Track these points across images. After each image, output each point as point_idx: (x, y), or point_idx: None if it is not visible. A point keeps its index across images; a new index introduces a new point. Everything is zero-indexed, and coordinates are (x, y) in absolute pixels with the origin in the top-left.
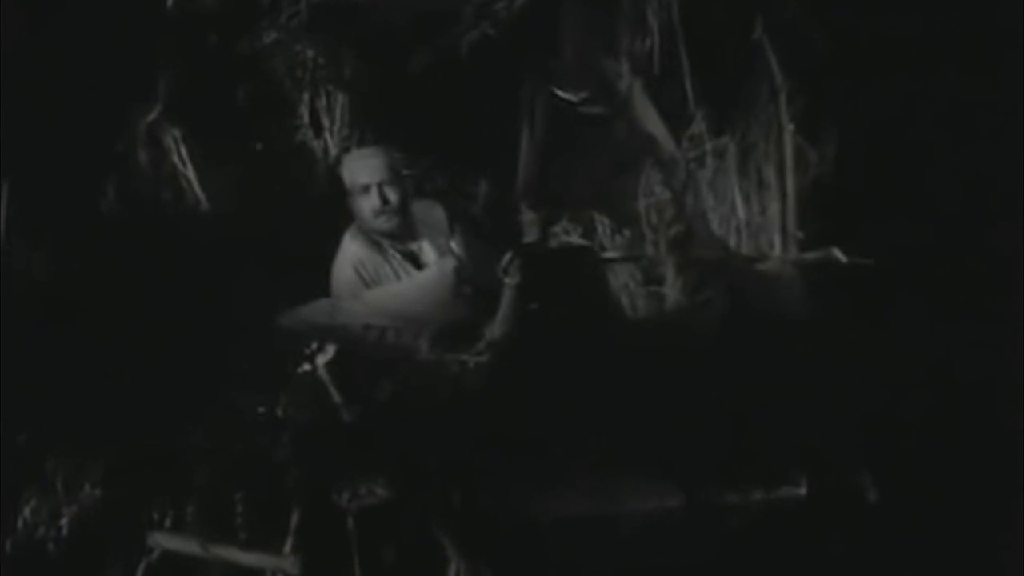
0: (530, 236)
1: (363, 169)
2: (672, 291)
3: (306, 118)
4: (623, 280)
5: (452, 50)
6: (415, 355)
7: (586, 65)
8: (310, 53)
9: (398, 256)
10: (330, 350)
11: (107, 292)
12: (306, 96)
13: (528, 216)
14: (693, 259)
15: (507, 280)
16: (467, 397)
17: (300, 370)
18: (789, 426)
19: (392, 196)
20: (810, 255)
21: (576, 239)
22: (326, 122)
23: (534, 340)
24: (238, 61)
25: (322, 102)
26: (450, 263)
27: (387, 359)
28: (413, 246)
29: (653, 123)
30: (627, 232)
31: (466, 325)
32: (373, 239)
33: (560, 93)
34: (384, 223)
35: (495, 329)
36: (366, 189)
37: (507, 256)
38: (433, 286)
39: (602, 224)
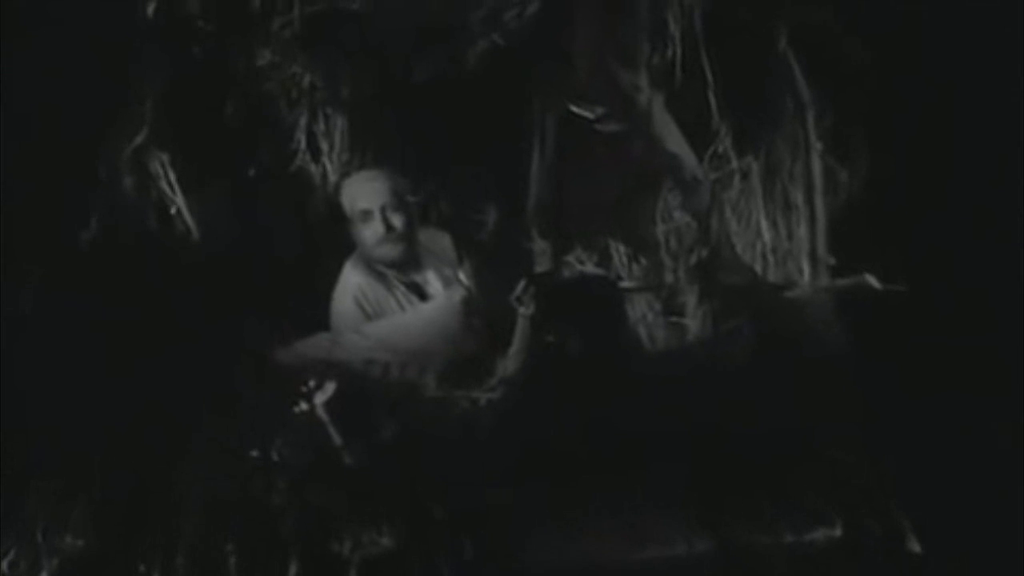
0: (542, 265)
1: (364, 193)
2: (694, 322)
3: (303, 143)
4: (641, 311)
5: (458, 63)
6: (421, 392)
7: (602, 78)
8: (307, 75)
9: (402, 287)
10: (329, 388)
11: (90, 328)
12: (303, 120)
13: (539, 244)
14: (718, 286)
15: (521, 310)
16: (478, 437)
17: (297, 409)
18: (822, 464)
19: (396, 221)
20: (842, 282)
21: (590, 268)
22: (324, 146)
23: (550, 375)
24: (230, 82)
25: (320, 126)
26: (458, 293)
27: (391, 396)
28: (418, 276)
29: (675, 141)
30: (644, 260)
31: (476, 359)
32: (375, 269)
33: (575, 109)
34: (388, 251)
35: (508, 363)
36: (368, 215)
37: (521, 284)
38: (440, 318)
39: (618, 252)
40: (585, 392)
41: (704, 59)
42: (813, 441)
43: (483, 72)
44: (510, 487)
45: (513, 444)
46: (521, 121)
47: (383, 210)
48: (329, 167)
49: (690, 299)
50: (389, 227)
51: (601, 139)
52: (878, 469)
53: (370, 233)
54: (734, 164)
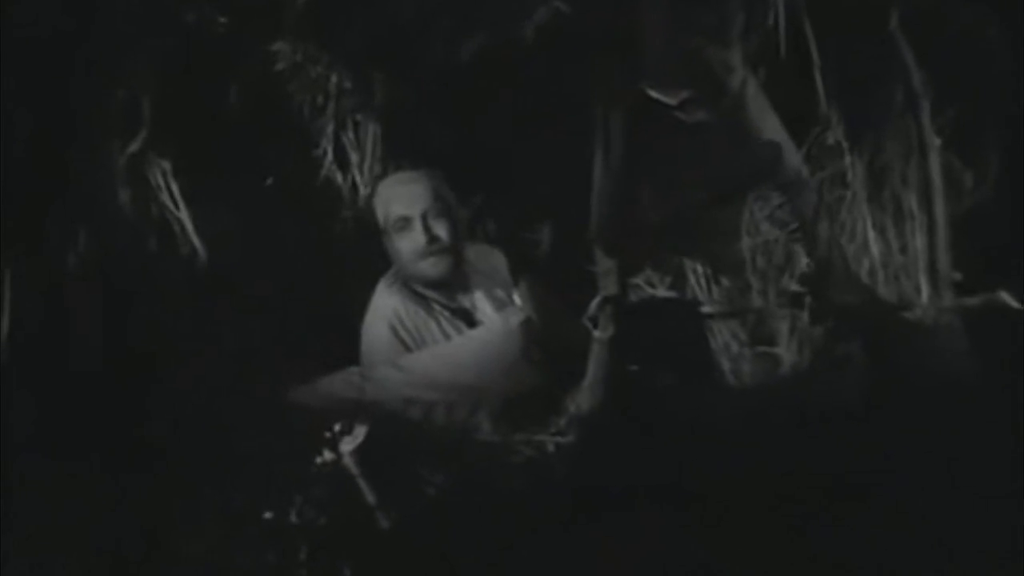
0: (606, 289)
1: (402, 197)
2: (789, 352)
3: (330, 154)
4: (723, 340)
5: (514, 36)
6: (473, 436)
7: (686, 56)
8: (333, 77)
9: (447, 312)
10: (360, 433)
11: (79, 365)
12: (330, 128)
13: (604, 264)
14: (828, 307)
15: (596, 333)
16: (546, 491)
17: (320, 460)
18: (951, 517)
19: (440, 231)
20: (970, 301)
21: (662, 292)
22: (354, 157)
23: (634, 412)
24: (243, 80)
25: (349, 135)
26: (515, 318)
27: (436, 443)
28: (465, 299)
29: (773, 130)
30: (726, 281)
31: (540, 395)
32: (414, 290)
33: (652, 93)
34: (430, 267)
35: (580, 399)
36: (406, 223)
37: (596, 302)
38: (495, 347)
39: (694, 272)
40: (676, 434)
41: (808, 30)
42: (940, 488)
43: (540, 52)
44: (585, 554)
45: (590, 499)
46: (581, 117)
47: (424, 217)
48: (359, 179)
49: (782, 325)
50: (431, 237)
51: (682, 132)
52: (1019, 517)
53: (409, 245)
54: (847, 159)
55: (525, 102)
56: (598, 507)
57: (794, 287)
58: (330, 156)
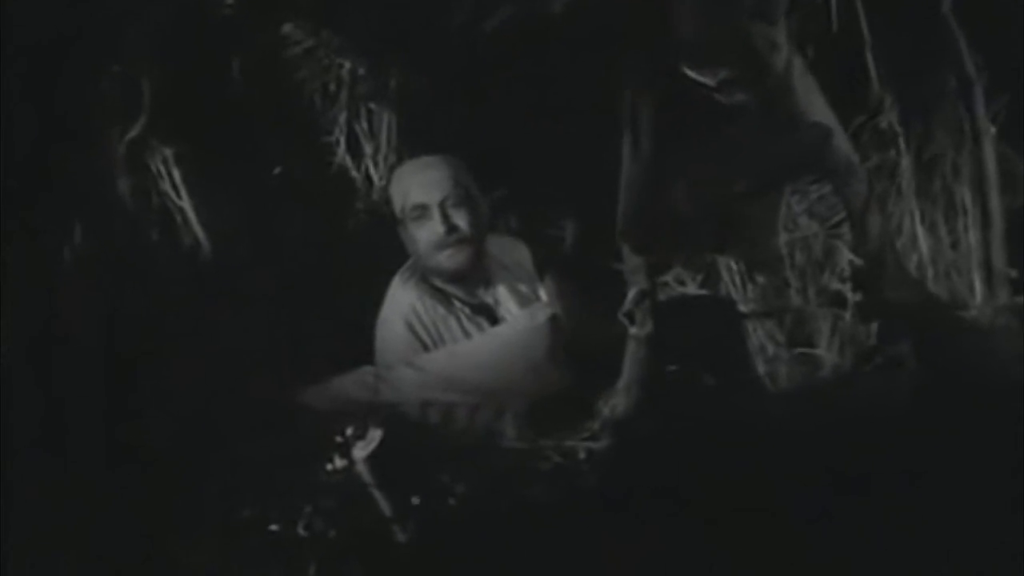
0: (635, 287)
1: (420, 184)
2: (830, 353)
3: (342, 144)
4: (758, 341)
5: (536, 19)
6: (497, 442)
7: (726, 32)
8: (347, 63)
9: (467, 308)
10: (373, 438)
11: (75, 364)
12: (342, 117)
13: (632, 261)
14: (880, 305)
15: (633, 330)
16: (576, 501)
17: (331, 467)
18: (1004, 528)
19: (460, 220)
20: None
21: (693, 290)
22: (368, 148)
23: (674, 416)
24: (250, 65)
25: (362, 124)
26: (542, 314)
27: (457, 449)
28: (486, 295)
29: (821, 113)
30: (762, 279)
31: (570, 398)
32: (433, 284)
33: (689, 72)
34: (449, 259)
35: (615, 401)
36: (424, 211)
37: (632, 294)
38: (520, 345)
39: (728, 269)
40: (717, 439)
41: (860, 8)
42: (1000, 504)
43: (567, 30)
44: (617, 570)
45: (624, 509)
46: (609, 101)
47: (443, 205)
48: (373, 171)
49: (823, 325)
50: (450, 227)
51: (720, 116)
52: None
53: (427, 235)
54: (902, 146)
55: (549, 88)
56: (632, 518)
57: (835, 285)
58: (342, 146)
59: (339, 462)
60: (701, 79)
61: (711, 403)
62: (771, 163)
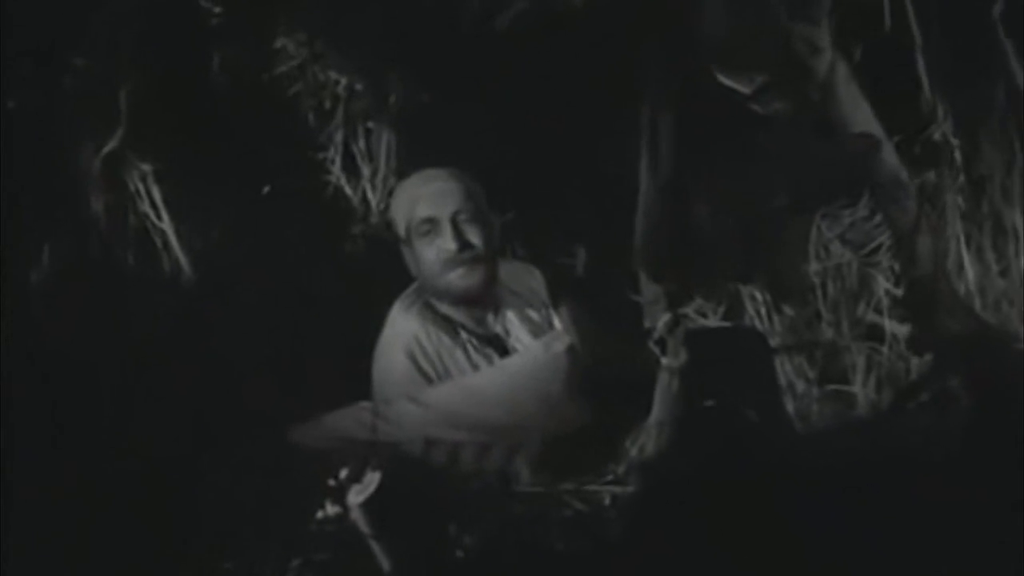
0: (652, 320)
1: (428, 197)
2: (866, 391)
3: (338, 164)
4: (787, 377)
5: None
6: (510, 486)
7: (763, 32)
8: (343, 79)
9: (475, 338)
10: (371, 481)
11: (42, 395)
12: (339, 136)
13: (650, 291)
14: (928, 336)
15: (665, 360)
16: (600, 553)
17: (322, 514)
18: None
19: (474, 236)
20: None
21: (714, 322)
22: (365, 169)
23: (713, 457)
24: (237, 76)
25: (359, 144)
26: (558, 344)
27: (465, 494)
28: (496, 324)
29: (866, 123)
30: (790, 311)
31: (591, 437)
32: (437, 311)
33: (723, 78)
34: (461, 279)
35: (646, 440)
36: (432, 226)
37: (663, 321)
38: (534, 378)
39: (753, 300)
40: (762, 484)
41: (910, 8)
42: None
43: (579, 31)
44: None
45: (655, 563)
46: (625, 114)
47: (455, 219)
48: (371, 194)
49: (858, 360)
50: (463, 243)
51: (754, 127)
52: None
53: (435, 253)
54: (958, 159)
55: (559, 104)
56: (663, 572)
57: (871, 317)
58: (338, 167)
59: (332, 509)
60: (734, 86)
61: (754, 443)
62: (811, 178)
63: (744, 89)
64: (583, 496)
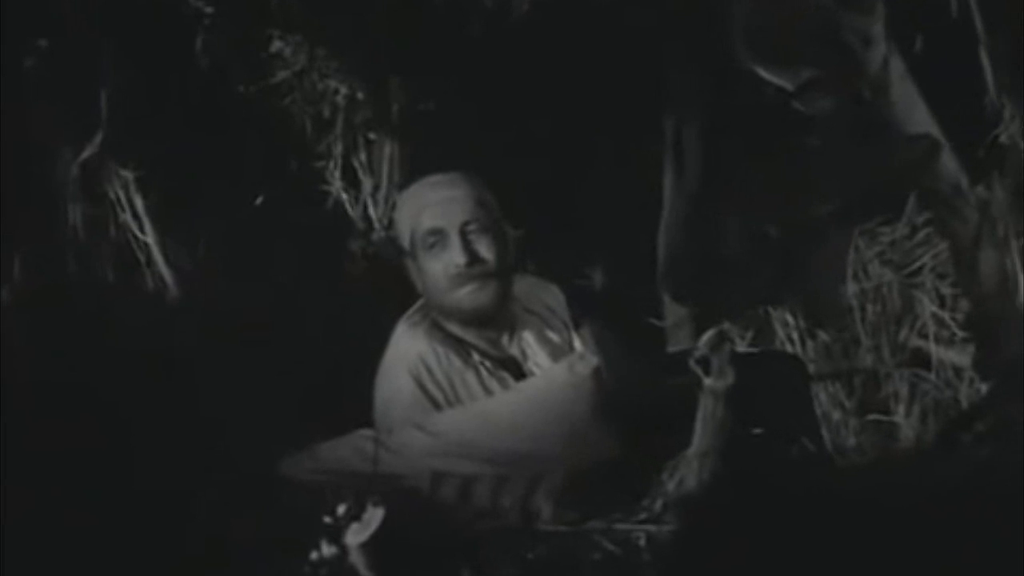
0: (676, 344)
1: (435, 205)
2: (909, 421)
3: (337, 177)
4: (821, 407)
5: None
6: (530, 525)
7: (808, 22)
8: (342, 89)
9: (488, 361)
10: (372, 518)
11: (10, 428)
12: (338, 149)
13: (674, 314)
14: (993, 360)
15: (708, 381)
16: None
17: (318, 556)
18: None
19: (485, 249)
20: None
21: (743, 349)
22: (366, 183)
23: (758, 493)
24: (228, 78)
25: (360, 156)
26: (583, 366)
27: (477, 534)
28: (511, 346)
29: (923, 123)
30: (826, 336)
31: (623, 469)
32: (447, 331)
33: (763, 73)
34: (470, 296)
35: (685, 472)
36: (440, 238)
37: (707, 336)
38: (557, 403)
39: (784, 324)
40: (819, 522)
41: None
42: None
43: (596, 27)
44: None
45: None
46: (647, 119)
47: (464, 230)
48: (372, 209)
49: (901, 388)
50: (473, 256)
51: (796, 129)
52: None
53: (442, 267)
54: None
55: (574, 111)
56: None
57: (915, 341)
58: (337, 182)
59: (328, 550)
60: (777, 81)
61: (806, 477)
62: (859, 186)
63: (787, 85)
64: (614, 536)
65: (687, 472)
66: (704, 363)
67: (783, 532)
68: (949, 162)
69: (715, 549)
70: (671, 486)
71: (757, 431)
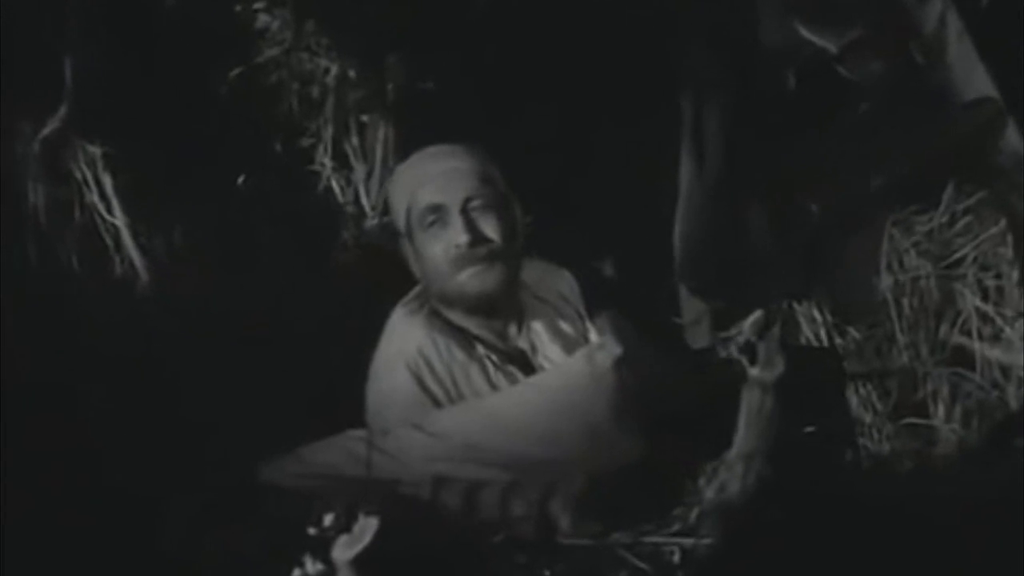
0: (694, 341)
1: (435, 179)
2: (949, 425)
3: (328, 164)
4: (852, 410)
5: None
6: (545, 538)
7: None
8: (333, 67)
9: (495, 354)
10: (364, 530)
11: None
12: (327, 132)
13: (692, 309)
14: None
15: (754, 371)
16: None
17: (301, 572)
18: None
19: (489, 228)
20: None
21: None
22: (359, 169)
23: (812, 500)
24: (204, 43)
25: (352, 140)
26: (604, 357)
27: (485, 547)
28: (520, 338)
29: (983, 89)
30: (857, 332)
31: (652, 474)
32: (447, 320)
33: (805, 33)
34: (474, 279)
35: (726, 477)
36: (440, 215)
37: (754, 318)
38: (575, 399)
39: (811, 320)
40: (870, 531)
41: None
42: None
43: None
44: None
45: None
46: (663, 96)
47: (466, 207)
48: (364, 197)
49: (941, 389)
50: (477, 236)
51: (837, 97)
52: None
53: (442, 248)
54: None
55: (583, 92)
56: None
57: (957, 338)
58: (328, 166)
59: (313, 566)
60: (819, 42)
61: (865, 483)
62: (913, 160)
63: (830, 46)
64: (642, 551)
65: (728, 477)
66: (749, 350)
67: (837, 546)
68: (1012, 134)
69: (759, 566)
70: (709, 493)
71: (809, 429)
